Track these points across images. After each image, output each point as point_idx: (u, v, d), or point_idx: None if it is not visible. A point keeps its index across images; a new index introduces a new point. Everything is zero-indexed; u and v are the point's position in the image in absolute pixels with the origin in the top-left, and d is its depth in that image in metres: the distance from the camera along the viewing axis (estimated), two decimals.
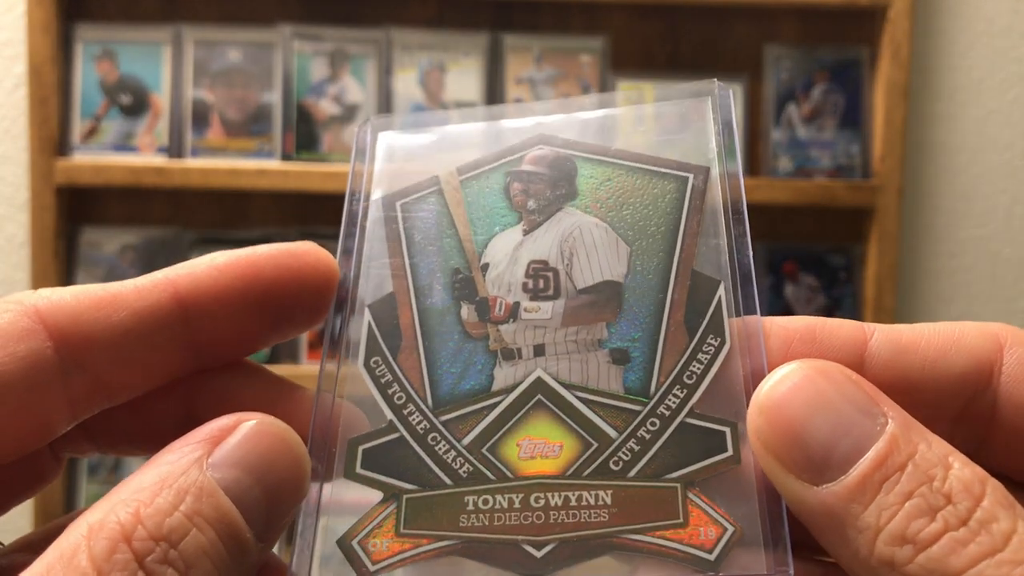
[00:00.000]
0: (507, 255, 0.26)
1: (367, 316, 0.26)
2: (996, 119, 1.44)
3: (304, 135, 1.39)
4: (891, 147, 1.37)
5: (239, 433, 0.22)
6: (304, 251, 0.26)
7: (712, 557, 0.23)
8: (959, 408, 0.24)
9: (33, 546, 0.26)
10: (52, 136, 1.35)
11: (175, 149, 1.39)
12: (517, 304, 0.25)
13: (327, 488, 0.24)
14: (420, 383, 0.25)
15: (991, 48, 1.43)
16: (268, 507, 0.21)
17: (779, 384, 0.22)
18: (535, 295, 0.25)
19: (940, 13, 1.42)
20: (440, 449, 0.24)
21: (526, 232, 0.26)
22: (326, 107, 1.39)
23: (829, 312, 1.44)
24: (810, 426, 0.22)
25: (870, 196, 1.37)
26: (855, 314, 1.43)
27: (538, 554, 0.23)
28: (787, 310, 1.43)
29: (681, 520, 0.23)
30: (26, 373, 0.23)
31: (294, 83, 1.39)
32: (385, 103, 1.40)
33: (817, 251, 1.44)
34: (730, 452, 0.23)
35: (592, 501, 0.23)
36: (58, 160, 1.34)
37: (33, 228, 1.34)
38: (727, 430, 0.24)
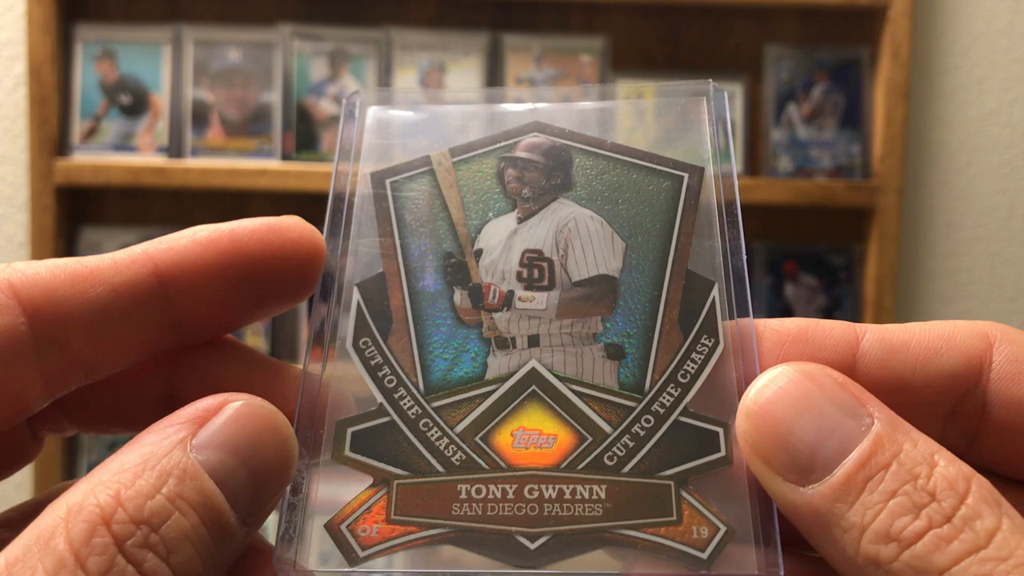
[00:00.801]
0: (501, 242, 0.25)
1: (356, 296, 0.25)
2: (996, 119, 1.44)
3: (304, 135, 1.39)
4: (891, 147, 1.36)
5: (224, 414, 0.21)
6: (288, 225, 0.26)
7: (704, 556, 0.23)
8: (950, 406, 0.25)
9: (12, 523, 0.26)
10: (52, 136, 1.35)
11: (175, 149, 1.39)
12: (511, 293, 0.25)
13: (314, 470, 0.24)
14: (412, 367, 0.24)
15: (991, 48, 1.43)
16: (253, 490, 0.21)
17: (765, 388, 0.22)
18: (529, 284, 0.25)
19: (940, 13, 1.42)
20: (432, 435, 0.24)
21: (520, 220, 0.25)
22: (326, 107, 1.39)
23: (829, 312, 1.44)
24: (795, 428, 0.22)
25: (870, 196, 1.37)
26: (855, 314, 1.43)
27: (532, 546, 0.23)
28: (787, 310, 1.43)
29: (675, 518, 0.23)
30: (1, 347, 0.22)
31: (294, 83, 1.39)
32: None
33: (817, 251, 1.44)
34: (723, 453, 0.24)
35: (586, 495, 0.23)
36: (58, 160, 1.34)
37: (33, 228, 1.34)
38: (720, 431, 0.24)
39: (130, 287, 0.24)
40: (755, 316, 0.24)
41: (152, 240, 0.25)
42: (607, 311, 0.25)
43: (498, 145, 0.26)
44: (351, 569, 0.23)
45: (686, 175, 0.26)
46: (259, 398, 0.22)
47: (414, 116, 0.27)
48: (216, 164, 1.36)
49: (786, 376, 0.23)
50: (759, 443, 0.22)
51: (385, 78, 1.40)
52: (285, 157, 1.38)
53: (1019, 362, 0.24)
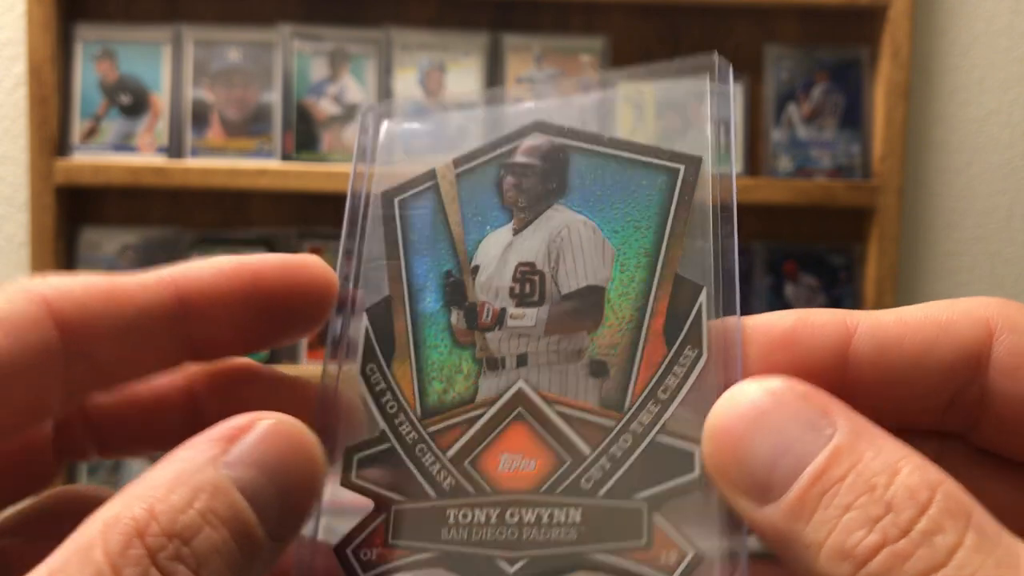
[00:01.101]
0: (496, 257, 0.25)
1: (364, 322, 0.26)
2: (996, 119, 1.44)
3: (304, 135, 1.39)
4: (891, 147, 1.36)
5: (255, 432, 0.22)
6: (307, 264, 0.26)
7: None
8: (949, 397, 0.24)
9: (13, 530, 0.27)
10: (52, 136, 1.35)
11: (175, 149, 1.39)
12: (504, 311, 0.25)
13: (327, 493, 0.24)
14: (411, 392, 0.25)
15: (991, 48, 1.43)
16: (282, 506, 0.22)
17: (725, 407, 0.22)
18: (521, 300, 0.25)
19: (940, 13, 1.42)
20: (427, 461, 0.24)
21: (516, 231, 0.25)
22: (326, 107, 1.39)
23: None
24: (753, 446, 0.21)
25: (870, 196, 1.37)
26: None
27: (510, 569, 0.23)
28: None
29: (645, 541, 0.23)
30: (33, 361, 0.23)
31: (294, 83, 1.39)
32: None
33: (817, 251, 1.44)
34: (696, 473, 0.23)
35: (563, 519, 0.23)
36: (58, 160, 1.34)
37: (33, 228, 1.34)
38: (695, 450, 0.23)
39: (154, 308, 0.25)
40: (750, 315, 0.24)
41: (178, 265, 0.26)
42: (594, 325, 0.24)
43: (499, 151, 0.26)
44: None
45: (682, 168, 0.25)
46: (290, 416, 0.23)
47: (424, 127, 0.27)
48: (216, 164, 1.36)
49: (746, 394, 0.22)
50: (721, 464, 0.22)
51: (385, 78, 1.40)
52: (285, 157, 1.38)
53: (1019, 355, 0.23)
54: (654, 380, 0.24)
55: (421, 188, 0.26)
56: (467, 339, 0.25)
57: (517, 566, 0.23)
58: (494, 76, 1.40)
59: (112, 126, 1.39)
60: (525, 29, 1.41)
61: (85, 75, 1.39)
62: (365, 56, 1.40)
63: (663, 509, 0.23)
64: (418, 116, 0.28)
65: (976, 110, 1.43)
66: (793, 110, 1.42)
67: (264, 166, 1.36)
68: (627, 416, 0.24)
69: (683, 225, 0.24)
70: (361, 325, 0.26)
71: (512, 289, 0.25)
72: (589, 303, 0.24)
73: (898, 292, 1.41)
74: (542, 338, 0.24)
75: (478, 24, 1.41)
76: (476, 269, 0.25)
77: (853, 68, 1.42)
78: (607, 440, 0.24)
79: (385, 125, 0.27)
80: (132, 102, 1.39)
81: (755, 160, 1.42)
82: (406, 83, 1.40)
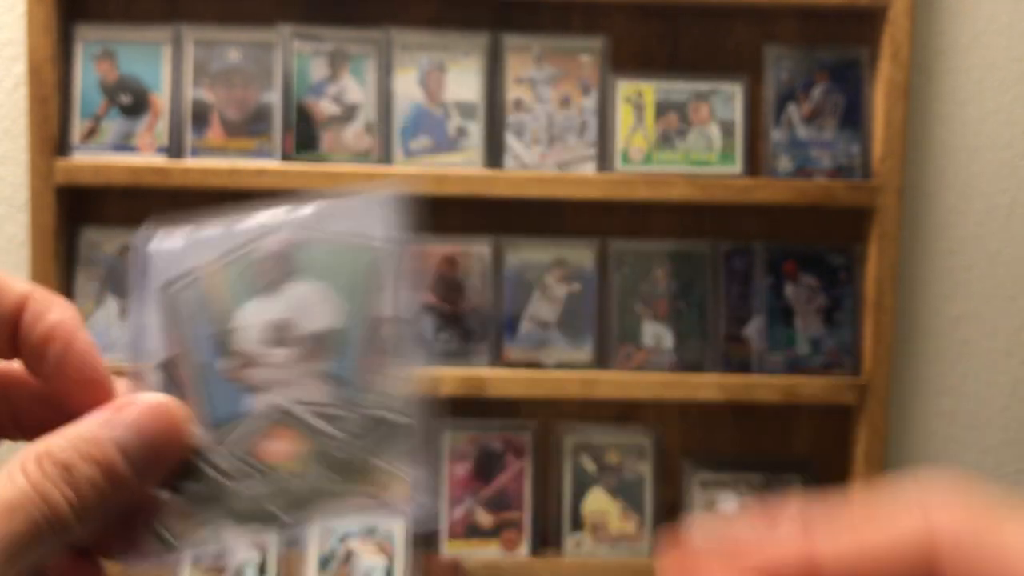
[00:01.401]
0: (250, 318, 0.36)
1: (157, 376, 0.36)
2: (996, 119, 1.44)
3: (304, 135, 1.39)
4: (891, 147, 1.37)
5: (137, 406, 0.32)
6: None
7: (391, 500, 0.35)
8: None
9: None
10: (52, 136, 1.35)
11: (175, 149, 1.39)
12: (261, 353, 0.36)
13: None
14: (199, 416, 0.35)
15: (991, 48, 1.43)
16: (147, 456, 0.32)
17: None
18: (273, 344, 0.36)
19: (940, 13, 1.42)
20: (215, 457, 0.35)
21: (265, 300, 0.36)
22: (326, 107, 1.40)
23: (829, 312, 1.44)
24: None
25: (870, 196, 1.37)
26: (855, 314, 1.43)
27: (288, 519, 0.34)
28: (787, 310, 1.43)
29: (375, 479, 0.34)
30: None
31: (294, 83, 1.39)
32: (385, 103, 1.40)
33: (817, 251, 1.44)
34: (410, 433, 0.34)
35: (321, 477, 0.35)
36: (58, 160, 1.34)
37: (33, 228, 1.35)
38: (404, 419, 0.34)
39: None
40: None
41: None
42: (332, 354, 0.35)
43: (248, 248, 0.36)
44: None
45: (384, 245, 0.36)
46: (168, 396, 0.34)
47: (187, 241, 0.37)
48: (216, 164, 1.36)
49: None
50: None
51: (385, 78, 1.40)
52: (285, 157, 1.38)
53: None
54: (375, 377, 0.35)
55: (187, 280, 0.36)
56: (235, 375, 0.36)
57: (291, 515, 0.34)
58: (494, 76, 1.40)
59: (112, 126, 1.39)
60: (525, 29, 1.41)
61: (85, 75, 1.39)
62: (365, 56, 1.40)
63: (390, 459, 0.35)
64: (181, 233, 0.37)
65: (976, 110, 1.43)
66: (793, 110, 1.42)
67: (264, 166, 1.36)
68: (360, 405, 0.35)
69: (387, 280, 0.36)
70: (155, 379, 0.36)
71: (266, 337, 0.36)
72: (327, 341, 0.36)
73: (898, 292, 1.41)
74: (294, 367, 0.36)
75: (478, 24, 1.41)
76: (236, 329, 0.36)
77: (853, 68, 1.42)
78: (347, 423, 0.35)
79: (153, 247, 0.37)
80: (132, 102, 1.39)
81: (755, 160, 1.42)
82: (406, 83, 1.40)
